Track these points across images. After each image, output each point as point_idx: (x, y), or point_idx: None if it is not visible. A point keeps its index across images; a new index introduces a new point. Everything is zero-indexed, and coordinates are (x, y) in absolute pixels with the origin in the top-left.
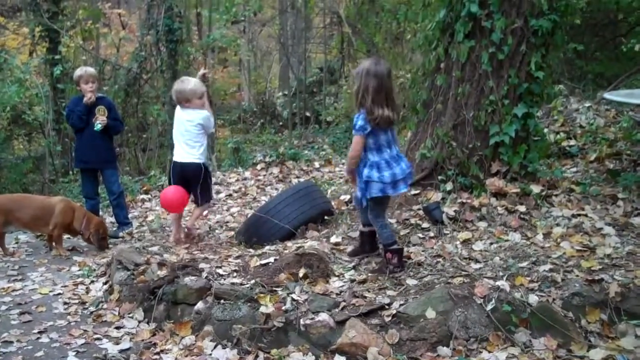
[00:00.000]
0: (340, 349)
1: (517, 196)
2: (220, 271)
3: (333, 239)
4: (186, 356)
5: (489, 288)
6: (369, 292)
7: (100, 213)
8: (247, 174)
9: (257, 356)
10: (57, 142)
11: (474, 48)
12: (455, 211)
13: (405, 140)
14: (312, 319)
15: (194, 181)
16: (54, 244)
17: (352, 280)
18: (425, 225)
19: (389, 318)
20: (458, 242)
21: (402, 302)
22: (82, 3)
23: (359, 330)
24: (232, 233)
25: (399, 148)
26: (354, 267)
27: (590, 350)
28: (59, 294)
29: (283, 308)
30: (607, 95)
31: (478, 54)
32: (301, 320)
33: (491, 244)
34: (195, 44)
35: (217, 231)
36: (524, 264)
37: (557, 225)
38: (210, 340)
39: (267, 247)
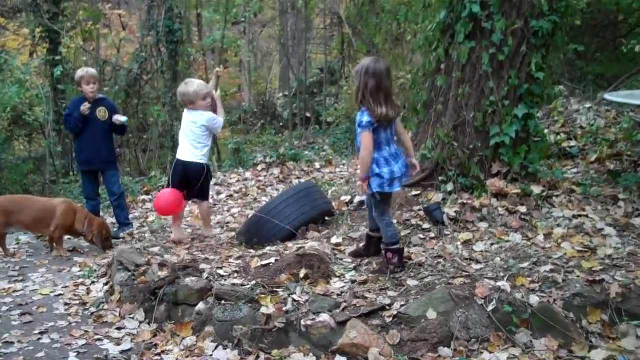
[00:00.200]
0: (341, 349)
1: (518, 197)
2: (221, 272)
3: (334, 240)
4: (187, 357)
5: (490, 289)
6: (369, 292)
7: (101, 214)
8: (248, 174)
9: (258, 357)
10: (57, 143)
11: (475, 49)
12: (456, 212)
13: None
14: (313, 319)
15: (195, 181)
16: (54, 245)
17: (353, 281)
18: (426, 226)
19: (390, 319)
20: (459, 243)
21: (403, 303)
22: (82, 4)
23: (360, 331)
24: (233, 234)
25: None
26: (354, 268)
27: (591, 351)
28: (60, 294)
29: (284, 309)
30: (608, 96)
31: (478, 55)
32: (302, 321)
33: (492, 244)
34: (195, 44)
35: (217, 232)
36: (525, 264)
37: (558, 226)
38: (211, 341)
39: (268, 248)
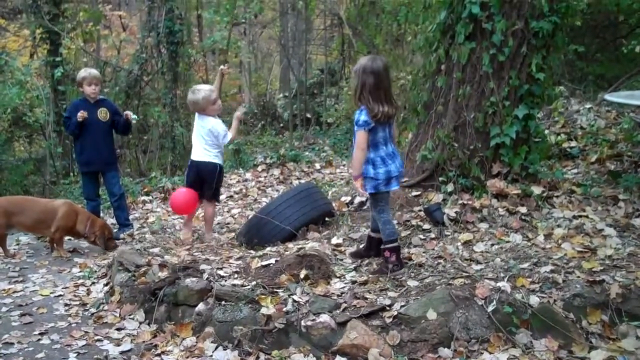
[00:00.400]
0: (342, 350)
1: (518, 197)
2: (221, 272)
3: (334, 240)
4: (187, 357)
5: (490, 289)
6: (370, 293)
7: (101, 214)
8: (248, 175)
9: (258, 357)
10: (57, 143)
11: (475, 50)
12: (456, 212)
13: (406, 141)
14: (313, 320)
15: (208, 180)
16: (54, 245)
17: (353, 282)
18: (426, 226)
19: (390, 319)
20: (459, 244)
21: (403, 304)
22: (82, 5)
23: (360, 331)
24: (233, 234)
25: (400, 150)
26: (355, 269)
27: (591, 352)
28: (60, 295)
29: (284, 309)
30: (608, 97)
31: (479, 56)
32: (302, 321)
33: (492, 245)
34: (195, 45)
35: (218, 232)
36: (525, 265)
37: (558, 226)
38: (211, 342)
39: (268, 249)
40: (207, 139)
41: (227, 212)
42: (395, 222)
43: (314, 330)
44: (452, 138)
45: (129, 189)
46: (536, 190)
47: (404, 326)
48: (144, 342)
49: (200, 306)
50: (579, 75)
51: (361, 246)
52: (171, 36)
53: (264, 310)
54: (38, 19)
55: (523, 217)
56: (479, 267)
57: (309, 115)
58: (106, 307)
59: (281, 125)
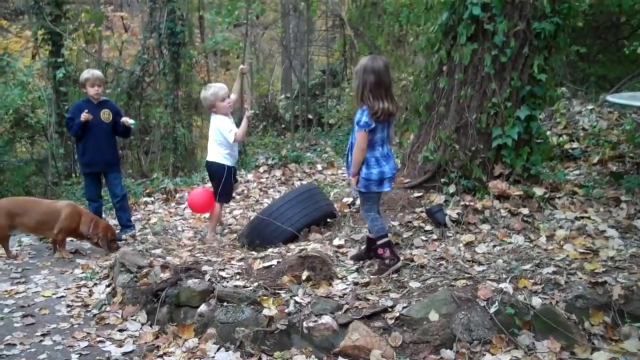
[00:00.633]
0: (344, 351)
1: (520, 199)
2: (223, 274)
3: (336, 242)
4: (189, 359)
5: (492, 290)
6: (372, 294)
7: (103, 215)
8: (250, 176)
9: (260, 359)
10: (59, 144)
11: (477, 51)
12: (458, 214)
13: (408, 142)
14: (315, 321)
15: (214, 178)
16: (57, 246)
17: (355, 283)
18: (428, 227)
19: (392, 321)
20: (461, 245)
21: (405, 305)
22: (84, 6)
23: (362, 332)
24: (235, 235)
25: (402, 151)
26: (356, 270)
27: (593, 353)
28: (62, 296)
29: (286, 311)
30: (610, 98)
31: (481, 57)
32: (304, 322)
33: (494, 246)
34: (197, 46)
35: (220, 234)
36: (527, 266)
37: (560, 227)
38: (214, 343)
39: (270, 250)
40: (216, 138)
41: (229, 213)
42: (397, 223)
43: (316, 332)
44: (453, 139)
45: (130, 190)
46: (538, 191)
47: (406, 327)
48: (146, 343)
49: (203, 307)
50: (580, 77)
51: (362, 248)
52: (173, 37)
53: (266, 312)
54: (40, 20)
55: (525, 219)
56: (481, 268)
57: (310, 116)
58: (108, 308)
59: (283, 126)
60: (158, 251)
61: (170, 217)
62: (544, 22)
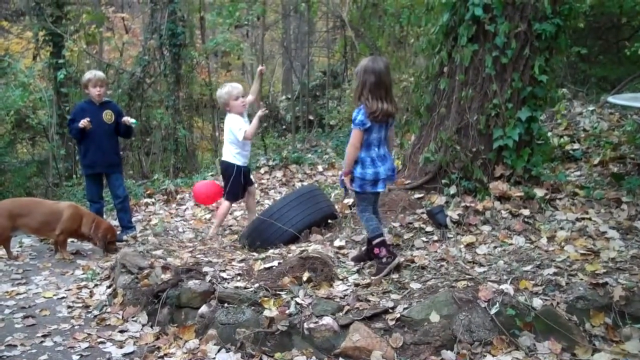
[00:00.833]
0: (344, 352)
1: (521, 200)
2: (224, 275)
3: (337, 243)
4: None
5: (493, 292)
6: (372, 295)
7: (104, 216)
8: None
9: None
10: (60, 145)
11: (478, 52)
12: (459, 215)
13: (409, 143)
14: (316, 322)
15: (225, 177)
16: (58, 247)
17: (356, 284)
18: (429, 228)
19: (393, 322)
20: (462, 246)
21: (406, 306)
22: (85, 7)
23: (362, 334)
24: (236, 237)
25: (403, 152)
26: (357, 271)
27: (594, 354)
28: (63, 297)
29: (287, 312)
30: (611, 99)
31: (481, 58)
32: (305, 324)
33: (495, 247)
34: (198, 48)
35: (220, 235)
36: (528, 267)
37: (561, 228)
38: (214, 344)
39: (271, 251)
40: (228, 137)
41: (230, 214)
42: (397, 224)
43: (317, 333)
44: (454, 140)
45: (131, 191)
46: (539, 192)
47: (407, 329)
48: (146, 344)
49: (203, 308)
50: (581, 78)
51: (362, 249)
52: (174, 38)
53: (266, 313)
54: (41, 21)
55: (526, 220)
56: (481, 269)
57: (311, 118)
58: (109, 310)
59: (284, 127)
60: (159, 252)
61: (171, 218)
62: (544, 23)
